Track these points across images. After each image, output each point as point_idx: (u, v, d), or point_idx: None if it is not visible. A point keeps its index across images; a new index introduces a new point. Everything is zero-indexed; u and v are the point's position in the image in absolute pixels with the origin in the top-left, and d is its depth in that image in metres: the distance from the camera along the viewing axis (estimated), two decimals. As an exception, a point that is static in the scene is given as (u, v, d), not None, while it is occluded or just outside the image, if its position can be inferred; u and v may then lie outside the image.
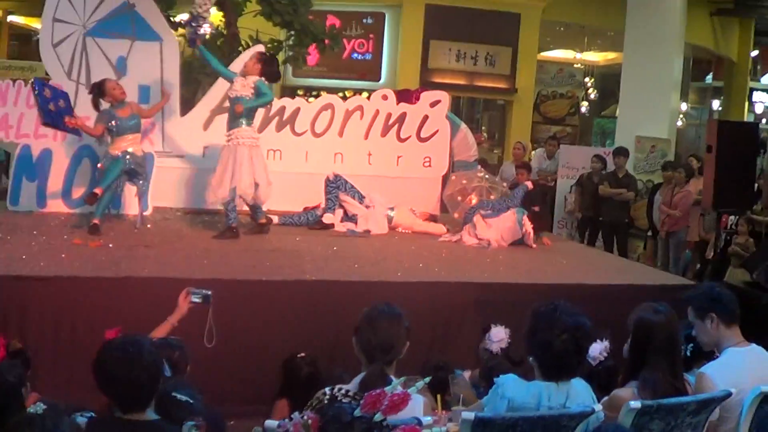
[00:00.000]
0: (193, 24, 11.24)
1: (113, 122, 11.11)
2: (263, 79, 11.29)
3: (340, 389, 3.15)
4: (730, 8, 27.08)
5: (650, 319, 5.46)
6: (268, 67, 11.46)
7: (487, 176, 14.01)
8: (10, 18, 28.04)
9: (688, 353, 6.31)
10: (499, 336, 7.28)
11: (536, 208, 16.20)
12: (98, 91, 11.27)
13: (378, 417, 2.76)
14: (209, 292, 7.06)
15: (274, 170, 12.08)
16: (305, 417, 2.68)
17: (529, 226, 12.26)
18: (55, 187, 12.37)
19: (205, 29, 11.38)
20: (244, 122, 11.17)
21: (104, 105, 11.30)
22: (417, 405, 4.50)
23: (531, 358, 5.00)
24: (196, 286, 7.12)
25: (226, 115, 11.95)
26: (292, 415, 2.72)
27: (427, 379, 3.41)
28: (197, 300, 6.99)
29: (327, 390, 3.21)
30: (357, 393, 3.03)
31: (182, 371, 5.93)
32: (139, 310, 7.63)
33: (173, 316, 6.78)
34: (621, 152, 17.27)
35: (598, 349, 6.96)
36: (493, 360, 7.07)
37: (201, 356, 6.90)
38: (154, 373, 4.43)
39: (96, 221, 10.85)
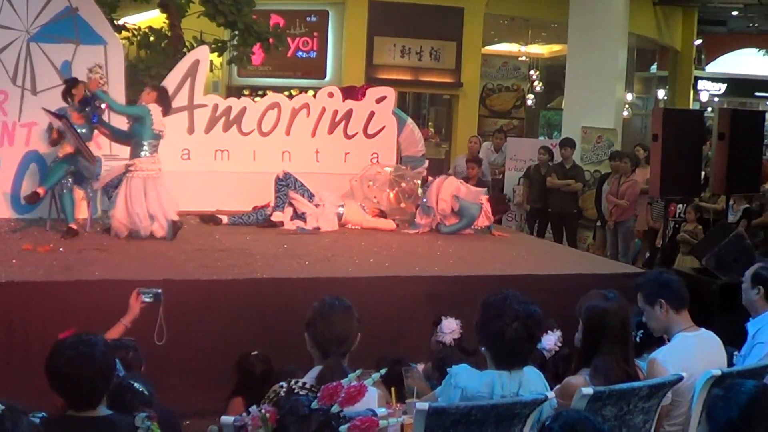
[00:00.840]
0: (95, 103, 11.22)
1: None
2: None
3: (296, 382, 3.17)
4: (673, -2, 27.38)
5: (602, 306, 5.48)
6: (163, 99, 11.57)
7: (388, 168, 14.29)
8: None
9: (638, 339, 6.38)
10: (450, 327, 7.32)
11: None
12: (72, 86, 11.32)
13: (335, 409, 2.78)
14: (159, 291, 7.10)
15: (223, 170, 12.09)
16: (263, 410, 2.69)
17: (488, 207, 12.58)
18: (1, 192, 12.24)
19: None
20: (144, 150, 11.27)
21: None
22: (372, 397, 4.52)
23: (483, 348, 5.04)
24: (146, 287, 7.14)
25: (171, 117, 11.99)
26: (250, 409, 2.74)
27: (383, 371, 3.44)
28: (148, 299, 7.01)
29: (283, 383, 3.23)
30: (314, 386, 3.05)
31: (137, 372, 5.92)
32: (91, 313, 7.60)
33: (126, 317, 6.79)
34: (567, 143, 17.38)
35: (552, 339, 7.02)
36: (444, 351, 7.11)
37: (155, 357, 6.89)
38: (106, 371, 4.43)
39: (73, 225, 10.88)
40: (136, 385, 5.03)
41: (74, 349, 4.37)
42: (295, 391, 3.00)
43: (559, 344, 7.12)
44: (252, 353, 7.16)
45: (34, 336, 7.97)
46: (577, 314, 5.66)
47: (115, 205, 10.98)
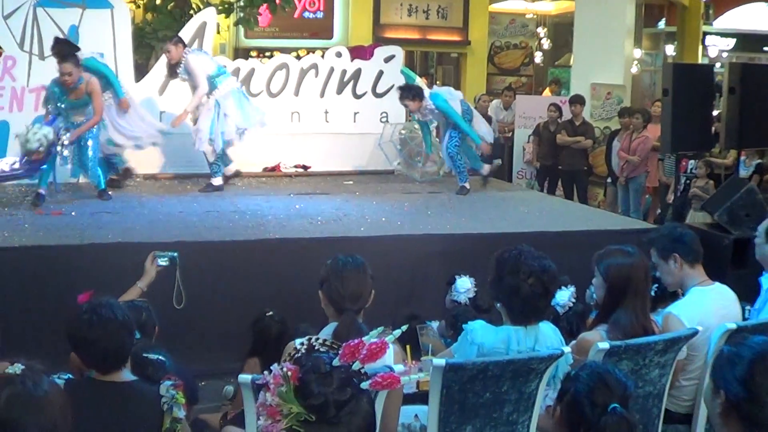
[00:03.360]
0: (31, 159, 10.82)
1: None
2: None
3: (317, 339, 3.17)
4: (680, -48, 27.19)
5: (625, 262, 5.44)
6: None
7: (400, 125, 14.41)
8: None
9: (653, 294, 6.38)
10: (465, 286, 7.33)
11: (499, 161, 16.41)
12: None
13: (356, 366, 2.78)
14: (175, 254, 7.08)
15: (232, 132, 12.09)
16: (284, 368, 2.69)
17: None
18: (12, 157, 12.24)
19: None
20: None
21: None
22: (388, 355, 4.55)
23: (498, 305, 5.05)
24: (161, 250, 7.14)
25: (180, 80, 12.05)
26: (271, 367, 2.74)
27: (404, 328, 3.44)
28: (164, 263, 7.00)
29: (303, 340, 3.23)
30: (335, 342, 3.05)
31: (150, 333, 5.94)
32: (105, 277, 7.62)
33: (141, 280, 6.78)
34: (577, 100, 17.31)
35: (566, 295, 7.03)
36: (458, 309, 7.12)
37: (168, 318, 6.92)
38: (128, 333, 4.45)
39: (41, 191, 10.82)
40: (151, 356, 5.05)
41: (95, 312, 4.38)
42: (316, 348, 3.01)
43: (573, 300, 7.13)
44: (267, 313, 7.18)
45: (50, 300, 8.01)
46: (593, 271, 5.64)
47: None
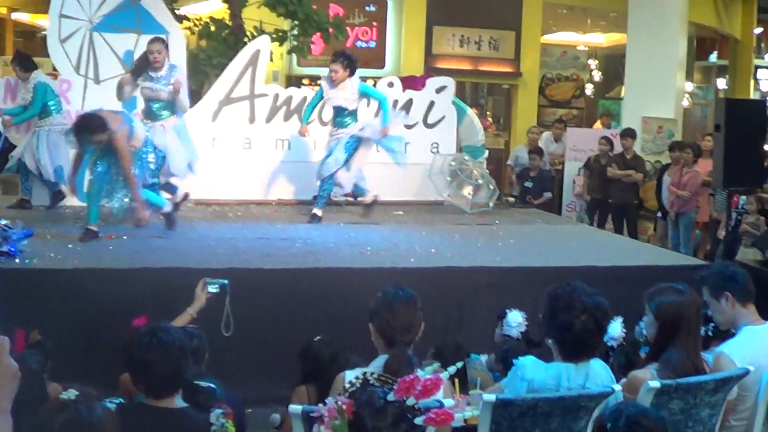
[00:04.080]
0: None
1: None
2: None
3: (372, 373, 3.18)
4: (733, -15, 27.08)
5: (676, 300, 5.42)
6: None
7: (450, 156, 14.33)
8: (15, 15, 28.06)
9: (710, 333, 6.34)
10: (516, 320, 7.30)
11: (549, 194, 16.39)
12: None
13: (410, 401, 2.79)
14: (226, 282, 7.13)
15: (283, 160, 12.15)
16: (339, 402, 2.71)
17: None
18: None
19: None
20: None
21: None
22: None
23: (550, 341, 5.04)
24: (212, 276, 7.18)
25: (232, 106, 12.13)
26: (326, 400, 2.75)
27: (459, 365, 3.45)
28: (214, 290, 7.05)
29: (358, 374, 3.24)
30: (389, 377, 3.06)
31: (201, 360, 5.98)
32: (155, 301, 7.67)
33: (192, 306, 6.83)
34: (628, 134, 17.26)
35: (618, 327, 7.00)
36: (508, 343, 7.10)
37: (217, 345, 6.95)
38: (184, 358, 4.48)
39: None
40: (202, 384, 5.08)
41: (154, 336, 4.42)
42: (371, 382, 3.02)
43: (624, 331, 7.10)
44: (315, 339, 7.20)
45: (99, 323, 8.08)
46: (643, 307, 5.62)
47: None
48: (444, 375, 2.98)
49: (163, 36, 11.49)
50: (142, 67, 11.10)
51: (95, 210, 10.28)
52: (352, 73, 12.04)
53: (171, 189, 11.58)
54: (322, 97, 12.38)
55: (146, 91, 11.05)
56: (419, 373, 2.84)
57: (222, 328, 7.49)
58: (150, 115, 11.05)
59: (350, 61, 12.11)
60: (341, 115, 12.21)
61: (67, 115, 12.41)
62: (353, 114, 12.22)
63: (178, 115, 11.09)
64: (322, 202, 12.29)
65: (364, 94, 12.28)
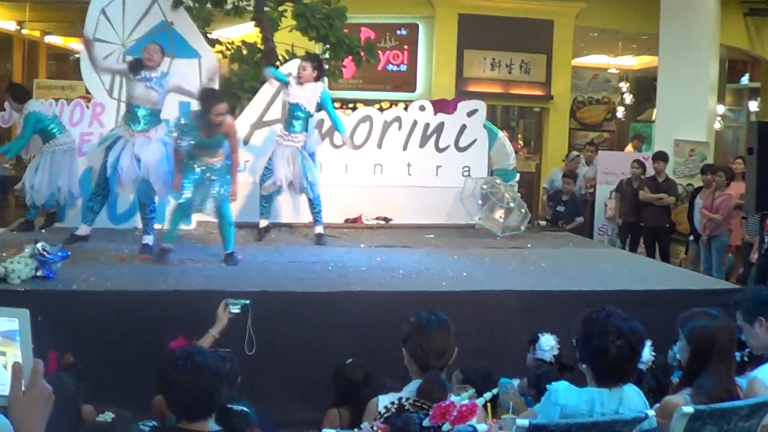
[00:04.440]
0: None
1: None
2: None
3: (407, 399, 3.18)
4: (764, 8, 26.84)
5: (709, 325, 5.41)
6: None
7: (482, 179, 14.36)
8: (48, 38, 28.29)
9: (746, 358, 6.31)
10: (549, 344, 7.30)
11: (581, 219, 16.37)
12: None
13: (446, 427, 2.79)
14: (247, 302, 7.23)
15: (315, 183, 12.23)
16: (374, 427, 2.72)
17: None
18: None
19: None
20: None
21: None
22: (472, 413, 4.55)
23: (583, 366, 5.02)
24: (237, 298, 7.27)
25: (264, 130, 12.17)
26: (362, 426, 2.76)
27: (495, 391, 3.45)
28: (236, 310, 7.15)
29: (393, 399, 3.24)
30: (424, 402, 3.06)
31: (233, 384, 6.00)
32: (188, 323, 7.66)
33: (214, 327, 6.94)
34: (661, 157, 17.22)
35: (647, 352, 6.98)
36: (541, 368, 7.09)
37: (248, 367, 6.99)
38: (219, 381, 4.51)
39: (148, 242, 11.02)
40: (235, 408, 5.10)
41: (190, 359, 4.44)
42: (406, 408, 3.02)
43: (653, 354, 7.08)
44: (348, 361, 7.21)
45: (132, 345, 8.12)
46: (676, 331, 5.61)
47: None
48: (480, 401, 2.98)
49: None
50: (136, 66, 11.00)
51: (174, 231, 10.59)
52: (318, 78, 12.07)
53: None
54: (287, 81, 12.31)
55: (138, 88, 10.87)
56: (454, 398, 2.84)
57: (245, 347, 7.56)
58: (133, 120, 10.91)
59: (320, 66, 12.31)
60: (296, 116, 12.12)
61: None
62: (306, 120, 12.18)
63: (164, 124, 11.01)
64: (320, 220, 12.44)
65: (324, 102, 12.23)
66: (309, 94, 12.08)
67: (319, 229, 12.35)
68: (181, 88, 11.18)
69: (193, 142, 10.22)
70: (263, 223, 12.49)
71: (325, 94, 12.23)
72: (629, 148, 24.08)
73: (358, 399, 6.31)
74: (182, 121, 10.45)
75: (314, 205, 12.30)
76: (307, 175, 12.01)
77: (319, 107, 12.29)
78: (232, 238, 10.68)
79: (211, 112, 10.06)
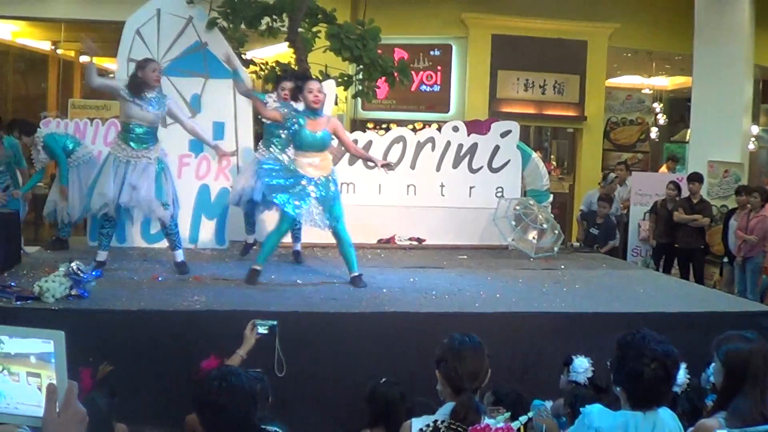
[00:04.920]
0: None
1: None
2: None
3: (443, 421, 3.18)
4: (798, 28, 26.85)
5: (744, 348, 5.39)
6: None
7: (515, 200, 14.41)
8: (83, 58, 28.48)
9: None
10: (583, 366, 7.29)
11: (615, 242, 16.33)
12: None
13: (481, 449, 2.80)
14: (275, 323, 7.25)
15: (348, 203, 12.23)
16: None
17: None
18: (130, 222, 12.52)
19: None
20: None
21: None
22: (506, 436, 4.55)
23: (618, 388, 5.00)
24: (264, 318, 7.30)
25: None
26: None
27: (531, 414, 3.45)
28: (263, 331, 7.16)
29: (429, 422, 3.24)
30: (459, 424, 3.06)
31: (264, 403, 6.00)
32: (221, 344, 7.66)
33: (242, 348, 6.97)
34: (695, 178, 17.19)
35: (681, 374, 6.94)
36: (576, 390, 7.07)
37: (281, 388, 7.01)
38: (254, 402, 4.52)
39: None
40: (269, 428, 5.10)
41: (225, 379, 4.46)
42: (441, 430, 3.02)
43: (688, 378, 7.06)
44: (381, 381, 7.20)
45: (165, 364, 8.14)
46: (711, 354, 5.58)
47: None
48: (515, 425, 2.97)
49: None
50: (140, 86, 10.65)
51: (269, 253, 10.67)
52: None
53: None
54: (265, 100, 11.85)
55: (134, 107, 10.57)
56: (490, 421, 2.84)
57: (275, 369, 7.58)
58: (131, 139, 10.60)
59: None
60: (275, 134, 11.86)
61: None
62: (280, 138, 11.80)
63: (160, 148, 10.87)
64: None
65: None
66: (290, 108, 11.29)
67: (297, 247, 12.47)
68: (176, 116, 11.09)
69: (299, 129, 10.27)
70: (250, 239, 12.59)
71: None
72: (663, 169, 24.04)
73: (393, 418, 6.31)
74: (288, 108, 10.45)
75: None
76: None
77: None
78: (354, 259, 10.68)
79: (305, 89, 10.22)
